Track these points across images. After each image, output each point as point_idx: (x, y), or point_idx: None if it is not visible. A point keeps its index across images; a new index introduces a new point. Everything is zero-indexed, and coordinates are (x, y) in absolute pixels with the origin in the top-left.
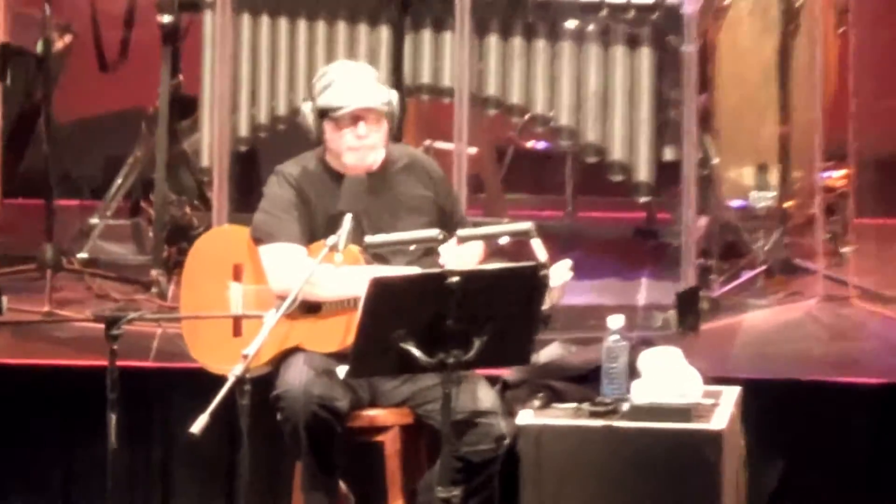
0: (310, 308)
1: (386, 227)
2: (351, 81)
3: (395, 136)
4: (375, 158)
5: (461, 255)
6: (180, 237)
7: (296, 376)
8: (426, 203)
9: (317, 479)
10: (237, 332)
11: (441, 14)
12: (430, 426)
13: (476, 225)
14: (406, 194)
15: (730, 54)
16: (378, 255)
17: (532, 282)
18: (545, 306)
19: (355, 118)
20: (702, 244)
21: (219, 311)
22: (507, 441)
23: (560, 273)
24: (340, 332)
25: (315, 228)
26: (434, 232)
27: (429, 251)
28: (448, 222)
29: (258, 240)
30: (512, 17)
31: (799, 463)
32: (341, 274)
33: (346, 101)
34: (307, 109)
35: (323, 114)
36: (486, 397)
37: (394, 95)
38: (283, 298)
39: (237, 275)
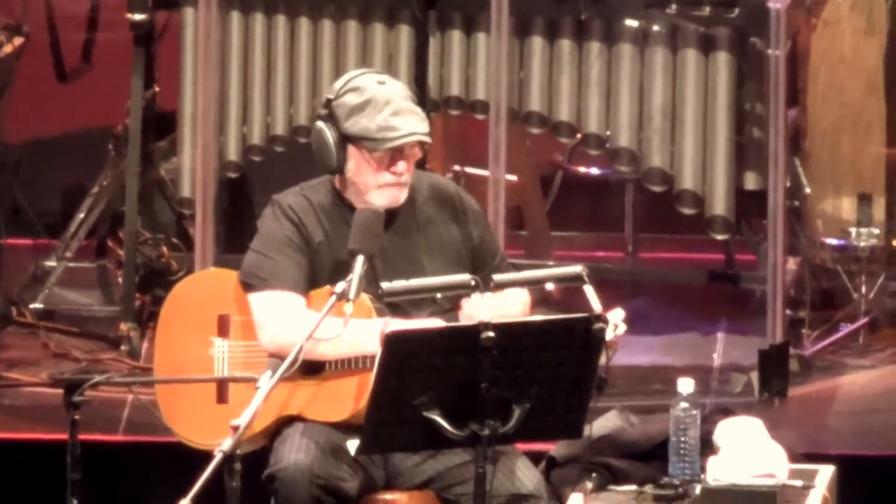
0: (311, 368)
1: (406, 271)
2: (394, 105)
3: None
4: (403, 200)
5: (503, 306)
6: (155, 283)
7: (295, 452)
8: (456, 243)
9: None
10: (222, 398)
11: (473, 11)
12: None
13: (516, 269)
14: (431, 232)
15: (826, 60)
16: (396, 305)
17: (584, 338)
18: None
19: (398, 152)
20: (791, 291)
21: (200, 373)
22: None
23: (611, 325)
24: (349, 398)
25: (319, 272)
26: (465, 277)
27: (459, 302)
28: (483, 268)
29: (248, 285)
30: (559, 14)
31: None
32: (350, 328)
33: (391, 133)
34: (327, 133)
35: (350, 140)
36: (529, 478)
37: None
38: (275, 357)
39: (223, 329)
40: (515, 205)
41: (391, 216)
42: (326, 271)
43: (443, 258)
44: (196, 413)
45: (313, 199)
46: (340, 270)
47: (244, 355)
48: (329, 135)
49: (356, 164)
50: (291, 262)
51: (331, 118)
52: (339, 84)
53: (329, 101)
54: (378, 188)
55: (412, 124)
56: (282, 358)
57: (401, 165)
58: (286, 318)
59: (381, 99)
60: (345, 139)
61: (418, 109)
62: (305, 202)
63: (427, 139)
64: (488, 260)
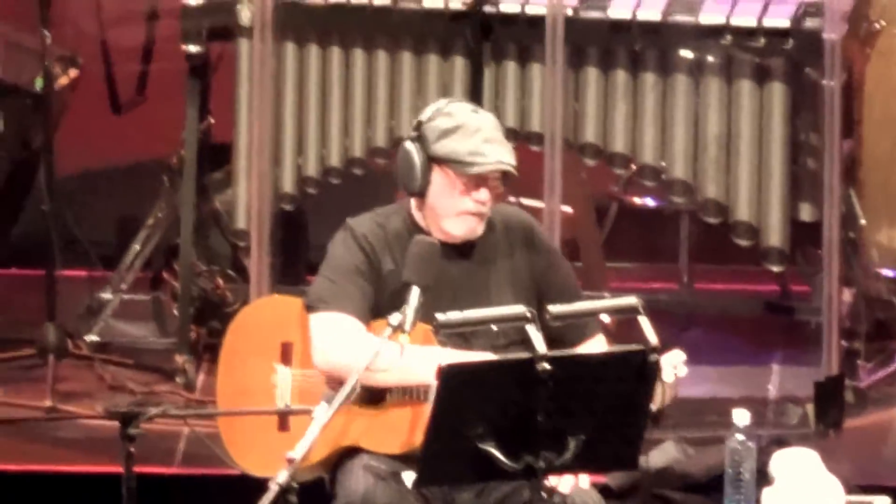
0: (369, 398)
1: (473, 303)
2: (485, 133)
3: None
4: (480, 232)
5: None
6: (211, 315)
7: (355, 483)
8: (526, 276)
9: None
10: (284, 426)
11: (528, 41)
12: None
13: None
14: (504, 265)
15: (881, 90)
16: (456, 337)
17: (640, 369)
18: (655, 405)
19: (482, 179)
20: (846, 323)
21: (263, 401)
22: None
23: (671, 368)
24: (405, 429)
25: (386, 302)
26: (519, 309)
27: (523, 336)
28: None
29: (309, 307)
30: (614, 45)
31: None
32: (408, 355)
33: (480, 158)
34: (414, 153)
35: (437, 162)
36: (589, 494)
37: None
38: (333, 382)
39: (286, 356)
40: (570, 236)
41: (469, 246)
42: (394, 300)
43: (512, 291)
44: (257, 440)
45: (388, 226)
46: (400, 300)
47: (307, 383)
48: (416, 155)
49: (440, 187)
50: (357, 288)
51: (420, 139)
52: (430, 109)
53: (420, 124)
54: (457, 215)
55: (501, 153)
56: (333, 380)
57: (483, 193)
58: (342, 340)
59: (472, 125)
60: (431, 161)
61: (507, 142)
62: (379, 229)
63: (513, 171)
64: (564, 297)
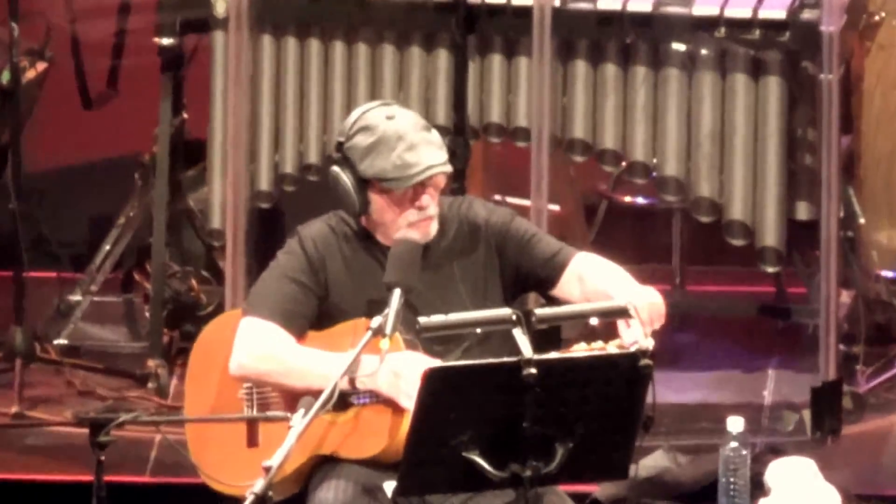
0: (340, 405)
1: (443, 305)
2: (406, 140)
3: (456, 189)
4: (434, 233)
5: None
6: (185, 318)
7: (332, 495)
8: (485, 266)
9: None
10: (252, 441)
11: (514, 34)
12: None
13: (558, 303)
14: (465, 261)
15: (881, 84)
16: (433, 341)
17: (630, 374)
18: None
19: (420, 186)
20: (844, 326)
21: (231, 413)
22: None
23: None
24: (383, 432)
25: (333, 309)
26: (504, 312)
27: (491, 336)
28: (524, 263)
29: (244, 310)
30: (604, 37)
31: None
32: (318, 360)
33: (408, 171)
34: (343, 178)
35: (368, 183)
36: None
37: (458, 143)
38: (244, 379)
39: None
40: (558, 235)
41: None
42: (344, 309)
43: (479, 285)
44: (226, 456)
45: (340, 230)
46: (371, 308)
47: (274, 398)
48: (346, 179)
49: (379, 206)
50: (287, 295)
51: (346, 161)
52: (348, 123)
53: (341, 145)
54: (408, 227)
55: (428, 157)
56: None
57: (425, 199)
58: (258, 347)
59: (391, 136)
60: (363, 182)
61: (433, 137)
62: (329, 233)
63: (445, 168)
64: (522, 248)
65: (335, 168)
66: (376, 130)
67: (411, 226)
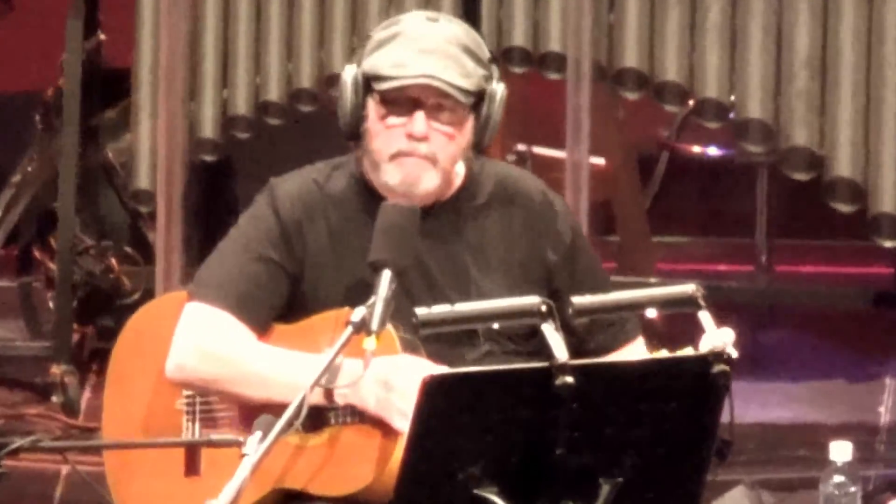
0: (308, 425)
1: (452, 293)
2: (425, 43)
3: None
4: (429, 185)
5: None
6: (101, 309)
7: None
8: (528, 259)
9: None
10: (192, 468)
11: None
12: None
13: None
14: (490, 242)
15: None
16: (436, 337)
17: (700, 384)
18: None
19: (413, 103)
20: None
21: (164, 432)
22: None
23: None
24: (369, 460)
25: (316, 291)
26: (532, 300)
27: (530, 337)
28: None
29: (190, 292)
30: None
31: None
32: (290, 362)
33: (404, 70)
34: (346, 77)
35: (367, 85)
36: None
37: (499, 86)
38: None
39: None
40: (603, 199)
41: (426, 212)
42: (324, 294)
43: (505, 277)
44: (156, 491)
45: (327, 184)
46: (354, 290)
47: (223, 411)
48: (347, 79)
49: (371, 122)
50: (248, 275)
51: (357, 60)
52: (387, 22)
53: (364, 41)
54: (391, 158)
55: (434, 66)
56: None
57: (418, 123)
58: (205, 343)
59: (411, 33)
60: (365, 87)
61: (465, 59)
62: (314, 189)
63: (447, 89)
64: (583, 289)
65: (347, 67)
66: (403, 25)
67: (393, 159)
